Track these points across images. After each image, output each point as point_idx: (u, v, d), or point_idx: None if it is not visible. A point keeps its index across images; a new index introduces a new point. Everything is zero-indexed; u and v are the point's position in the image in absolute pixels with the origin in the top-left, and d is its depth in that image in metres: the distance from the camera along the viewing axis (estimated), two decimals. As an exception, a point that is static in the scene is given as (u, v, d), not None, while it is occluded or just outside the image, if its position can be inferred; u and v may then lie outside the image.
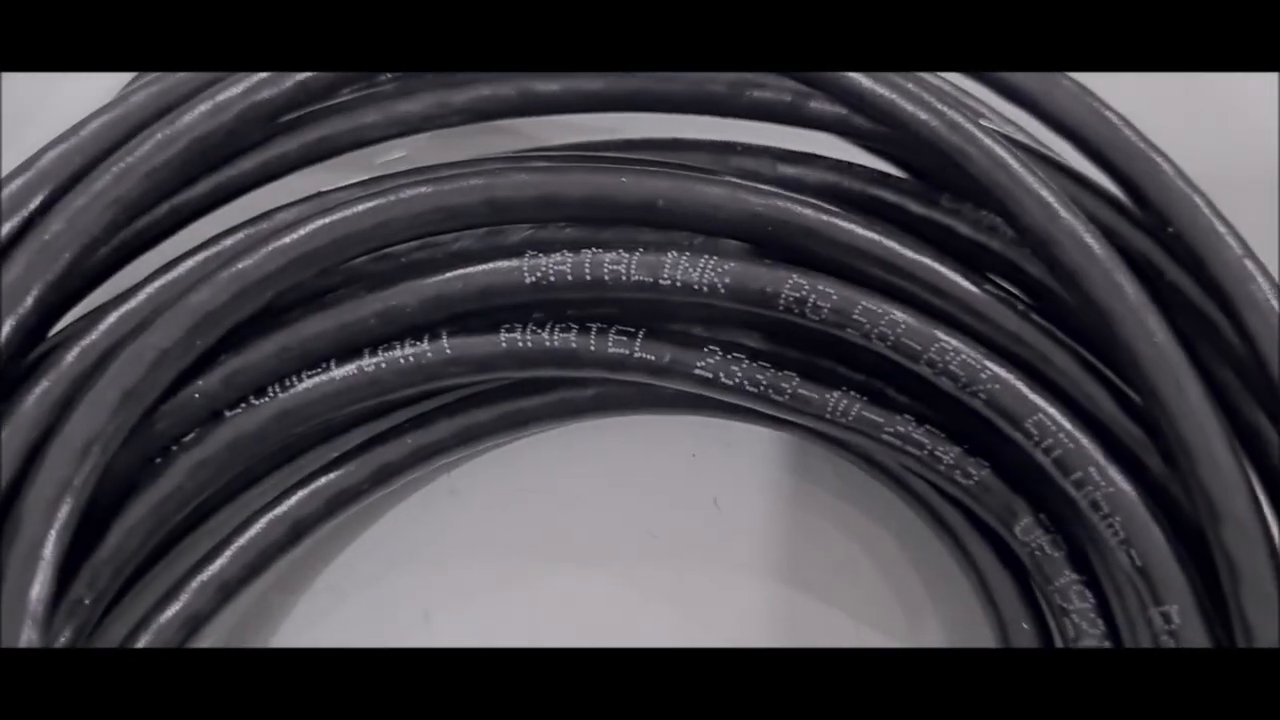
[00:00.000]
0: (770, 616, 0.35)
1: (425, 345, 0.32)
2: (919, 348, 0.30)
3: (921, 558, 0.35)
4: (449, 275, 0.32)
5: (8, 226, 0.30)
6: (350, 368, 0.32)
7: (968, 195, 0.32)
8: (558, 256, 0.31)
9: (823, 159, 0.33)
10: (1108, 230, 0.30)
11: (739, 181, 0.31)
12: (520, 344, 0.32)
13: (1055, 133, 0.31)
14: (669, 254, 0.31)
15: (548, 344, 0.32)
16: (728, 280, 0.31)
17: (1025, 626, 0.31)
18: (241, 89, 0.31)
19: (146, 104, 0.31)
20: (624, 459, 0.36)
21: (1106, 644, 0.29)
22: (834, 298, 0.30)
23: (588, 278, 0.31)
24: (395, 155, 0.35)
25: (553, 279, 0.31)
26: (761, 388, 0.32)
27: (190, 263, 0.31)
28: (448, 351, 0.32)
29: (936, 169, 0.32)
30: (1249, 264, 0.28)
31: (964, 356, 0.30)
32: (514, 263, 0.31)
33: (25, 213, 0.30)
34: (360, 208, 0.30)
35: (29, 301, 0.29)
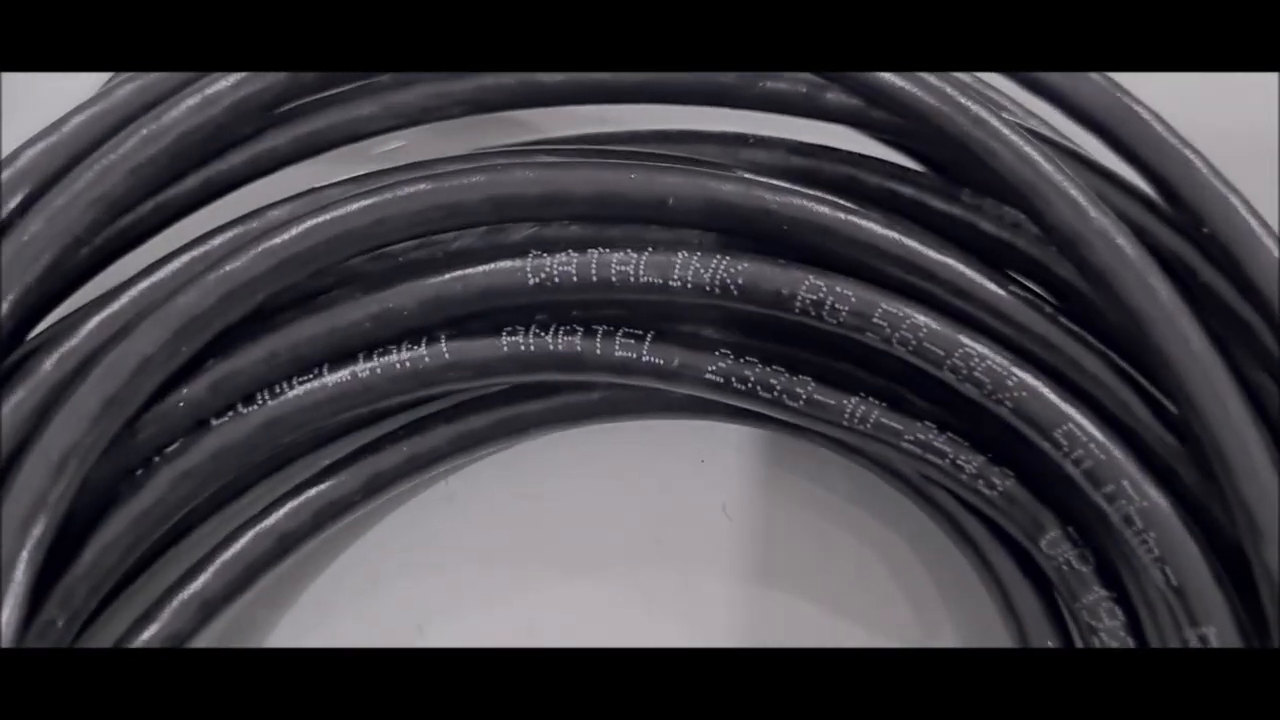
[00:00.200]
0: (781, 629, 0.34)
1: (423, 349, 0.31)
2: (942, 353, 0.30)
3: (940, 569, 0.34)
4: (449, 276, 0.31)
5: (-15, 226, 0.29)
6: (344, 373, 0.31)
7: (989, 190, 0.31)
8: (563, 256, 0.31)
9: (837, 151, 0.33)
10: (1138, 229, 0.29)
11: (753, 178, 0.31)
12: (523, 347, 0.32)
13: (1082, 127, 0.31)
14: (679, 253, 0.31)
15: (552, 347, 0.32)
16: (741, 281, 0.30)
17: (1050, 644, 0.31)
18: (231, 82, 0.30)
19: (131, 98, 0.31)
20: (630, 464, 0.36)
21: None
22: (853, 300, 0.30)
23: (594, 278, 0.31)
24: (394, 145, 0.35)
25: (557, 280, 0.31)
26: (775, 393, 0.32)
27: (176, 264, 0.31)
28: (446, 355, 0.31)
29: (955, 163, 0.32)
30: (1288, 266, 0.28)
31: (989, 362, 0.29)
32: (517, 263, 0.31)
33: (3, 212, 0.29)
34: (356, 205, 0.30)
35: (5, 305, 0.29)
